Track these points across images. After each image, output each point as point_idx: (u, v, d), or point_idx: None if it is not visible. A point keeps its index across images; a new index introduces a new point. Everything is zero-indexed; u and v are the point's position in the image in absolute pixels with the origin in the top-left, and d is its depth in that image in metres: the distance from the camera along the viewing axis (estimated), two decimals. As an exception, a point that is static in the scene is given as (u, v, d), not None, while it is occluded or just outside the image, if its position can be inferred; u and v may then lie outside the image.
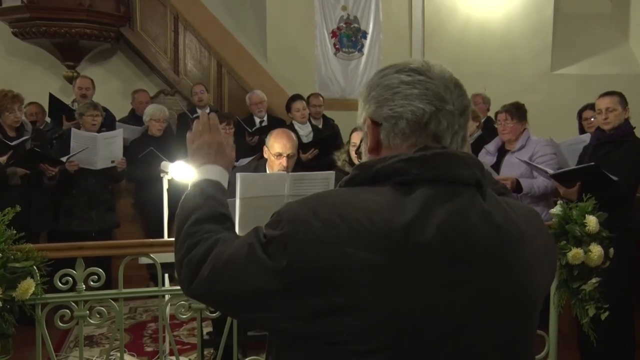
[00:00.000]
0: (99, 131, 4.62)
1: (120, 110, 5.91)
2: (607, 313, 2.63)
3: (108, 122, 5.23)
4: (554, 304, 2.76)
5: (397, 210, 0.88)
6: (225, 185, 1.22)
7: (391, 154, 0.95)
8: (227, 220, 1.10)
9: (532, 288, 0.96)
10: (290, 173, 2.99)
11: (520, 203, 1.08)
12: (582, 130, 4.54)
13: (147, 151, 4.73)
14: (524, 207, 1.05)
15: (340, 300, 0.85)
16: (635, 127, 3.49)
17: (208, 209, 1.09)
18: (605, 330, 2.80)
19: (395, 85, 0.97)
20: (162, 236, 3.74)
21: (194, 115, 5.61)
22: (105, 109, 5.32)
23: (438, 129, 0.95)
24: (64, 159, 4.34)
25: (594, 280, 2.59)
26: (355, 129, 3.84)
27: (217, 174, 1.21)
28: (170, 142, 5.01)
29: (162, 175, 3.71)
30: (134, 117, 5.64)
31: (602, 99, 3.44)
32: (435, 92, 0.95)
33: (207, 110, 5.82)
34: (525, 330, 0.97)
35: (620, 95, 3.42)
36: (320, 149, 5.13)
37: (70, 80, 6.01)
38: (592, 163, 3.16)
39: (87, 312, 2.24)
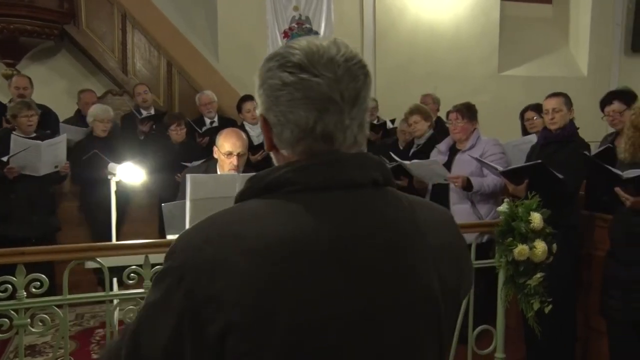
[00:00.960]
0: (39, 132, 4.44)
1: (67, 110, 5.72)
2: (550, 307, 2.72)
3: (52, 123, 5.05)
4: (501, 299, 2.84)
5: (288, 220, 0.87)
6: None
7: (283, 160, 0.95)
8: None
9: (428, 285, 0.93)
10: (241, 174, 2.96)
11: (425, 202, 1.07)
12: (524, 130, 4.69)
13: (90, 154, 4.60)
14: (427, 204, 1.05)
15: (235, 319, 0.82)
16: (579, 128, 3.63)
17: None
18: (549, 323, 2.90)
19: (278, 87, 0.91)
20: (110, 239, 3.65)
21: (142, 116, 5.50)
22: (48, 109, 5.15)
23: (326, 129, 0.91)
24: (4, 158, 4.14)
25: (538, 275, 2.68)
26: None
27: None
28: (115, 143, 4.89)
29: (109, 177, 3.62)
30: (80, 118, 5.46)
31: (549, 100, 3.55)
32: (319, 93, 0.90)
33: (152, 111, 5.72)
34: (426, 327, 0.94)
35: (565, 97, 3.54)
36: None
37: (11, 78, 5.77)
38: (540, 161, 3.26)
39: (28, 320, 2.16)
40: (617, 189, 2.72)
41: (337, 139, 0.92)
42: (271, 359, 0.83)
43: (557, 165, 3.28)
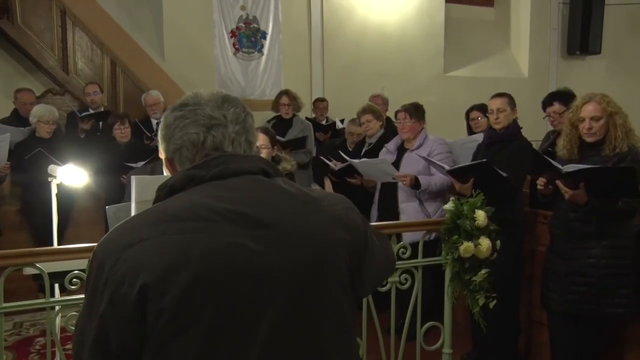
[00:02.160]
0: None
1: (1, 110, 5.47)
2: (495, 302, 2.80)
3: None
4: (448, 295, 2.89)
5: (186, 204, 1.03)
6: None
7: None
8: None
9: (324, 236, 1.07)
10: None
11: (320, 190, 1.30)
12: (469, 129, 4.80)
13: (35, 152, 4.43)
14: (321, 190, 1.24)
15: (162, 303, 0.95)
16: (522, 128, 3.74)
17: None
18: (494, 317, 2.98)
19: (171, 123, 1.13)
20: (51, 244, 3.51)
21: (83, 114, 5.31)
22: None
23: (215, 141, 1.11)
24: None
25: (483, 271, 2.75)
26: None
27: None
28: (59, 144, 4.72)
29: (50, 179, 3.48)
30: (18, 118, 5.23)
31: (493, 100, 3.65)
32: (204, 115, 1.11)
33: (101, 111, 5.54)
34: (320, 280, 1.05)
35: (509, 97, 3.65)
36: None
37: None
38: (485, 160, 3.35)
39: (-39, 331, 2.04)
40: (558, 182, 2.82)
41: (227, 150, 1.11)
42: (195, 334, 0.95)
43: (502, 163, 3.38)
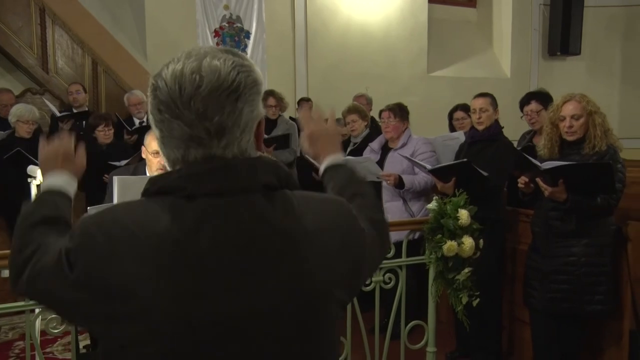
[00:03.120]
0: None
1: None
2: (478, 300, 2.82)
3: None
4: (432, 294, 2.91)
5: (174, 222, 0.91)
6: (72, 189, 1.29)
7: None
8: (59, 222, 1.15)
9: (313, 282, 0.96)
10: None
11: (324, 199, 1.09)
12: (452, 129, 4.83)
13: (14, 151, 4.36)
14: (325, 202, 1.07)
15: (124, 309, 0.89)
16: (504, 127, 3.78)
17: (40, 214, 1.15)
18: (477, 315, 3.00)
19: (153, 123, 0.99)
20: (31, 246, 3.45)
21: (62, 114, 5.24)
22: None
23: (197, 156, 0.95)
24: None
25: (466, 270, 2.77)
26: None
27: (63, 180, 1.29)
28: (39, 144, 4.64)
29: (29, 180, 3.43)
30: (-4, 118, 5.15)
31: (476, 100, 3.68)
32: (182, 134, 0.94)
33: (80, 110, 5.47)
34: (307, 328, 0.97)
35: (492, 97, 3.69)
36: None
37: None
38: (466, 160, 3.37)
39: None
40: (538, 179, 2.86)
41: (217, 159, 0.95)
42: (156, 344, 0.89)
43: (484, 162, 3.40)
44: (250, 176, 0.95)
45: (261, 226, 0.94)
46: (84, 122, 5.34)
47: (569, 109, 2.91)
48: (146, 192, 0.98)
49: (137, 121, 5.45)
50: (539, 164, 2.84)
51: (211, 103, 0.93)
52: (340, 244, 1.02)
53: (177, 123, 0.93)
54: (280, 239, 0.95)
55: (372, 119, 5.74)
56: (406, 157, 3.82)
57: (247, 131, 0.97)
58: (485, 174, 3.33)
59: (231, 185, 0.94)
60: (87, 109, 5.55)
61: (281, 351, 0.94)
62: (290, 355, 0.96)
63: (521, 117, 4.06)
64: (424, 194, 4.00)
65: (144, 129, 4.40)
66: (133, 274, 0.89)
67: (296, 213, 0.98)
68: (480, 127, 3.63)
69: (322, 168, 1.37)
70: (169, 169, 1.00)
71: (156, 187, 0.96)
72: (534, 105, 3.91)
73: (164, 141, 0.97)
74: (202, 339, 0.89)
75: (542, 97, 3.97)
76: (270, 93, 5.98)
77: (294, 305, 0.94)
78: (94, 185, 4.49)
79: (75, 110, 5.40)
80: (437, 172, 3.49)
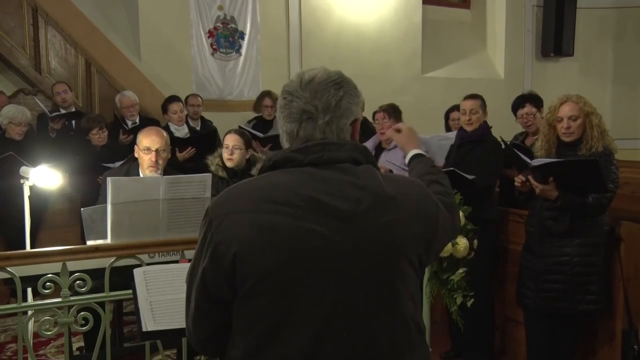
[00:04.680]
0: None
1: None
2: (472, 300, 2.82)
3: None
4: (426, 295, 2.91)
5: (283, 185, 1.22)
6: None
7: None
8: None
9: (391, 233, 1.23)
10: (165, 176, 2.88)
11: (404, 177, 1.47)
12: (448, 130, 4.84)
13: (6, 155, 4.33)
14: (405, 179, 1.42)
15: (239, 252, 1.18)
16: (492, 127, 3.79)
17: None
18: (470, 315, 3.01)
19: (279, 109, 1.33)
20: (24, 247, 3.44)
21: (53, 114, 5.21)
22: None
23: (306, 134, 1.28)
24: None
25: (461, 270, 2.77)
26: (229, 131, 3.78)
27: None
28: (32, 146, 4.62)
29: (22, 181, 3.41)
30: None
31: (466, 101, 3.69)
32: (299, 109, 1.28)
33: (73, 111, 5.45)
34: (392, 272, 1.24)
35: (481, 99, 3.70)
36: (198, 147, 5.02)
37: None
38: (451, 168, 3.37)
39: None
40: (529, 177, 2.87)
41: (317, 137, 1.27)
42: (272, 296, 1.18)
43: (472, 163, 3.41)
44: (342, 151, 1.26)
45: (348, 183, 1.22)
46: (74, 122, 5.32)
47: (566, 110, 2.92)
48: (262, 168, 1.29)
49: (129, 123, 5.43)
50: (528, 160, 2.86)
51: (321, 88, 1.29)
52: (415, 208, 1.29)
53: (296, 101, 1.28)
54: (367, 195, 1.22)
55: (365, 119, 5.75)
56: (396, 165, 3.80)
57: (345, 116, 1.30)
58: (470, 177, 3.31)
59: (327, 157, 1.24)
60: (78, 110, 5.52)
61: (367, 278, 1.21)
62: (374, 281, 1.21)
63: (515, 120, 4.08)
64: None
65: (140, 129, 4.39)
66: (264, 226, 1.20)
67: (379, 179, 1.27)
68: (469, 129, 3.64)
69: (408, 157, 1.83)
70: (284, 142, 1.31)
71: (270, 163, 1.27)
72: (528, 109, 3.93)
73: (284, 118, 1.30)
74: (308, 267, 1.18)
75: (535, 100, 4.00)
76: (266, 94, 5.99)
77: (377, 255, 1.21)
78: (88, 187, 4.48)
79: (63, 111, 5.37)
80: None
